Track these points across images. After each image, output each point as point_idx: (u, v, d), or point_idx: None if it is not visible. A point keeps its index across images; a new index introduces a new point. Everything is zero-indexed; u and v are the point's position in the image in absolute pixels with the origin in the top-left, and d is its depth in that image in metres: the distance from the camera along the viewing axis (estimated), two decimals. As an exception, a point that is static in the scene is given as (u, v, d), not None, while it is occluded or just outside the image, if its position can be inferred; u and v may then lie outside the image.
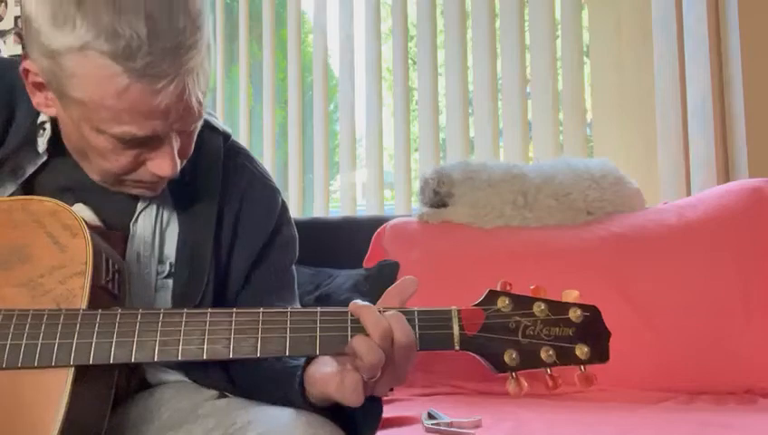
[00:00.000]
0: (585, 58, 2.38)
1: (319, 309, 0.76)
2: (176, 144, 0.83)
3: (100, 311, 0.76)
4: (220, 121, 1.02)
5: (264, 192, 1.01)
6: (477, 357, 0.76)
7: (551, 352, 0.75)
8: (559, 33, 2.32)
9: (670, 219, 1.77)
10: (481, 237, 1.84)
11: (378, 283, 1.78)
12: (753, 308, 1.61)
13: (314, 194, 2.57)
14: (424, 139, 2.45)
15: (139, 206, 0.93)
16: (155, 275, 0.93)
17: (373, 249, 1.92)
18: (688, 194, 2.06)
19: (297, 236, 1.04)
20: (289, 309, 0.77)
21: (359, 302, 0.76)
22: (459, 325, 0.76)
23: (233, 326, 0.75)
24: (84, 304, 0.76)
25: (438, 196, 1.90)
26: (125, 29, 0.73)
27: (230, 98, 2.79)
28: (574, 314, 0.77)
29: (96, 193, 0.91)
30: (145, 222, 0.93)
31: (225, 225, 0.96)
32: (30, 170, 0.91)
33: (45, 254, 0.79)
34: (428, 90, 2.46)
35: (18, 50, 2.67)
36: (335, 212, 2.59)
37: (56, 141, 0.90)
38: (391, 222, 1.96)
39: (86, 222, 0.82)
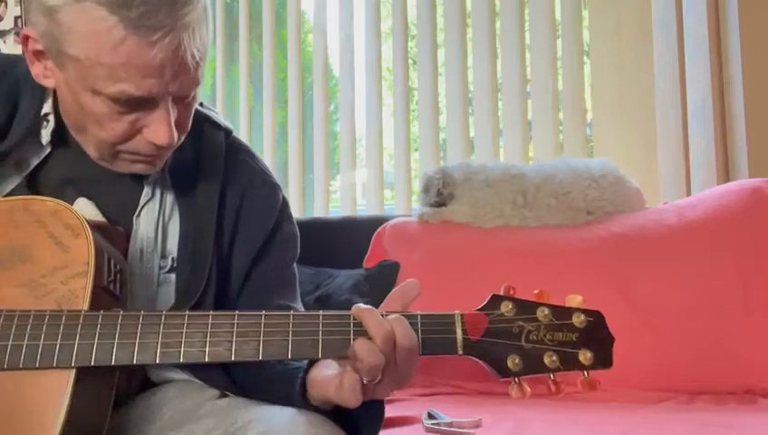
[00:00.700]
0: (585, 58, 2.38)
1: (321, 312, 0.76)
2: (173, 112, 0.83)
3: (101, 312, 0.76)
4: (221, 117, 1.03)
5: (265, 188, 1.01)
6: (480, 362, 0.76)
7: (554, 358, 0.75)
8: (559, 33, 2.32)
9: (670, 219, 1.77)
10: (481, 237, 1.84)
11: (378, 283, 1.78)
12: (753, 308, 1.61)
13: (314, 194, 2.57)
14: (424, 139, 2.45)
15: (142, 199, 0.93)
16: (157, 269, 0.93)
17: (373, 249, 1.92)
18: (688, 194, 2.06)
19: (298, 233, 1.04)
20: (291, 312, 0.77)
21: (361, 305, 0.76)
22: (462, 330, 0.75)
23: (235, 329, 0.75)
24: (86, 305, 0.76)
25: (442, 196, 1.90)
26: None
27: (230, 98, 2.79)
28: (578, 320, 0.77)
29: (99, 185, 0.91)
30: (148, 216, 0.93)
31: (226, 220, 0.96)
32: (34, 163, 0.91)
33: (47, 254, 0.79)
34: (428, 90, 2.46)
35: (19, 50, 2.67)
36: (335, 212, 2.59)
37: (59, 133, 0.91)
38: (391, 222, 1.96)
39: (89, 218, 0.82)
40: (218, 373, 0.91)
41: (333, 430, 0.80)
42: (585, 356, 0.75)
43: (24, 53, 0.86)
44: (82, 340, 0.74)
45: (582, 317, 0.77)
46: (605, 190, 1.85)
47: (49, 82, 0.86)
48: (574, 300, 0.78)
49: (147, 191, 0.94)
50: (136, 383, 0.95)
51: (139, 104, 0.81)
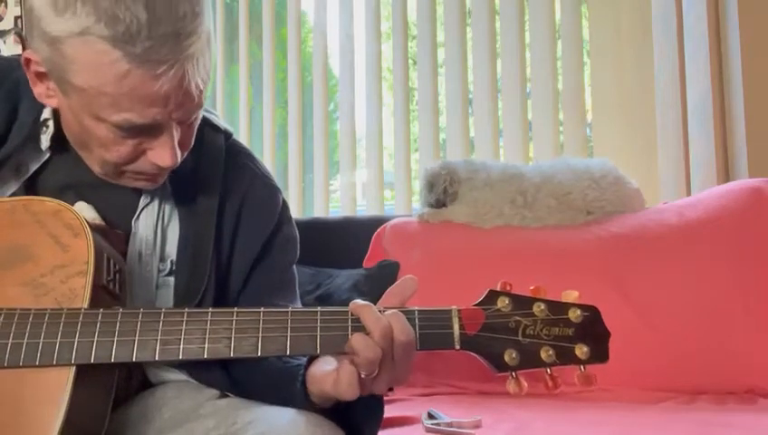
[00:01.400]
0: (585, 58, 2.38)
1: (319, 309, 0.77)
2: (176, 134, 0.83)
3: (101, 310, 0.76)
4: (221, 120, 1.03)
5: (266, 191, 1.01)
6: (478, 357, 0.76)
7: (551, 352, 0.76)
8: (559, 33, 2.32)
9: (670, 219, 1.77)
10: (481, 237, 1.84)
11: (378, 283, 1.78)
12: (753, 308, 1.61)
13: (314, 194, 2.57)
14: (424, 139, 2.45)
15: (141, 203, 0.93)
16: (156, 273, 0.93)
17: (373, 249, 1.92)
18: (688, 194, 2.06)
19: (298, 235, 1.04)
20: (290, 308, 0.77)
21: (359, 301, 0.76)
22: (460, 325, 0.76)
23: (234, 326, 0.76)
24: (86, 304, 0.76)
25: (446, 194, 1.90)
26: (125, 14, 0.74)
27: (230, 98, 2.79)
28: (574, 315, 0.77)
29: (98, 190, 0.91)
30: (147, 220, 0.93)
31: (225, 223, 0.96)
32: (33, 168, 0.92)
33: (47, 253, 0.79)
34: (428, 90, 2.46)
35: (18, 50, 2.67)
36: (335, 212, 2.59)
37: (59, 139, 0.91)
38: (391, 222, 1.96)
39: (88, 221, 0.82)
40: (217, 373, 0.91)
41: (333, 431, 0.80)
42: (581, 351, 0.76)
43: (25, 72, 0.85)
44: (82, 337, 0.74)
45: (578, 312, 0.78)
46: (605, 191, 1.85)
47: (52, 102, 0.85)
48: (570, 295, 0.79)
49: (145, 196, 0.94)
50: (135, 383, 0.95)
51: (143, 131, 0.81)
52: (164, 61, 0.76)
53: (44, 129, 0.91)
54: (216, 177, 0.96)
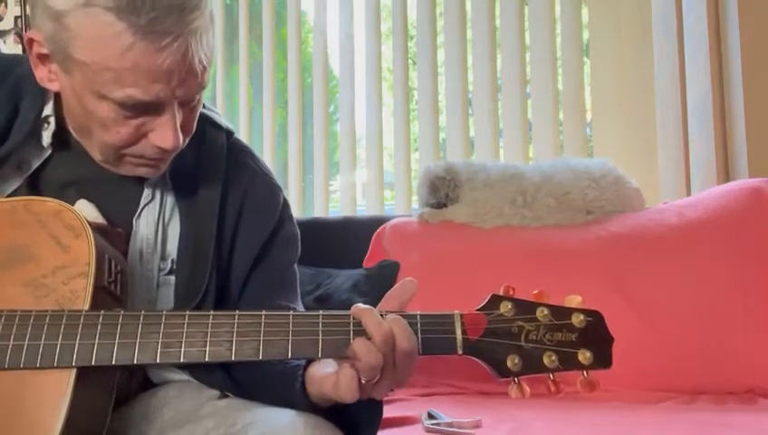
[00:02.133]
0: (585, 58, 2.38)
1: (321, 312, 0.77)
2: (178, 115, 0.83)
3: (102, 312, 0.76)
4: (223, 119, 1.03)
5: (267, 189, 1.01)
6: (480, 362, 0.76)
7: (553, 358, 0.75)
8: (558, 32, 2.32)
9: (670, 219, 1.77)
10: (481, 237, 1.84)
11: (378, 283, 1.78)
12: (753, 308, 1.61)
13: (314, 194, 2.57)
14: (424, 139, 2.45)
15: (142, 201, 0.93)
16: (157, 271, 0.93)
17: (373, 249, 1.92)
18: (688, 194, 2.06)
19: (299, 233, 1.04)
20: (291, 312, 0.77)
21: (360, 305, 0.76)
22: (462, 330, 0.76)
23: (235, 329, 0.76)
24: (87, 305, 0.76)
25: (448, 198, 1.89)
26: None
27: (230, 98, 2.79)
28: (577, 320, 0.77)
29: (100, 187, 0.91)
30: (148, 218, 0.93)
31: (227, 221, 0.96)
32: (35, 165, 0.92)
33: (48, 254, 0.79)
34: (428, 90, 2.46)
35: (18, 50, 2.67)
36: (335, 212, 2.59)
37: (60, 135, 0.91)
38: (391, 222, 1.96)
39: (89, 220, 0.82)
40: (218, 374, 0.91)
41: (332, 432, 0.80)
42: (585, 356, 0.75)
43: (28, 55, 0.85)
44: (83, 340, 0.74)
45: (582, 317, 0.77)
46: (604, 190, 1.85)
47: (53, 86, 0.85)
48: (574, 300, 0.78)
49: (147, 193, 0.94)
50: (136, 384, 0.95)
51: (145, 109, 0.81)
52: (168, 33, 0.76)
53: (46, 125, 0.91)
54: (218, 175, 0.96)
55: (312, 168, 2.60)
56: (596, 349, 0.76)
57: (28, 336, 0.75)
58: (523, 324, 0.76)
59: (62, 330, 0.75)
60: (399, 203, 2.47)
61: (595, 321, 0.77)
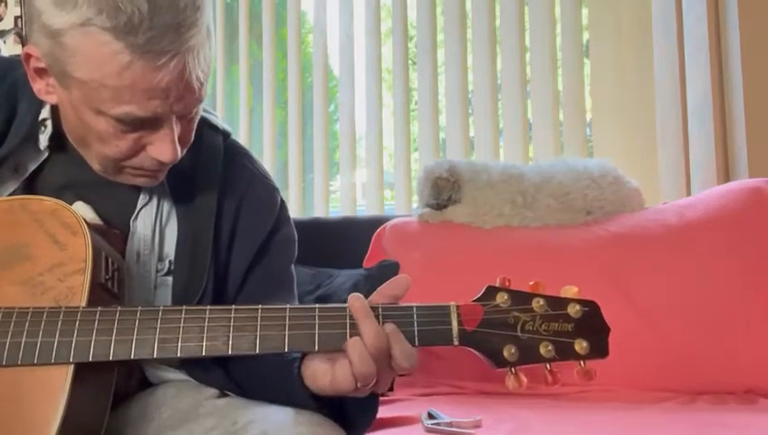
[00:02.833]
0: (585, 58, 2.38)
1: (317, 306, 0.77)
2: (176, 128, 0.83)
3: (99, 308, 0.76)
4: (220, 120, 1.03)
5: (264, 191, 1.01)
6: (476, 353, 0.76)
7: (550, 348, 0.75)
8: (559, 32, 2.32)
9: (670, 219, 1.77)
10: (481, 237, 1.84)
11: (378, 283, 1.75)
12: (753, 308, 1.61)
13: (314, 194, 2.57)
14: (424, 139, 2.45)
15: (139, 202, 0.93)
16: (154, 272, 0.93)
17: (373, 249, 1.92)
18: (688, 194, 2.06)
19: (296, 236, 1.04)
20: (288, 306, 0.77)
21: (357, 301, 0.76)
22: (458, 321, 0.76)
23: (232, 323, 0.76)
24: (84, 302, 0.77)
25: (450, 200, 1.89)
26: (126, 5, 0.74)
27: (230, 98, 2.79)
28: (573, 310, 0.77)
29: (97, 190, 0.91)
30: (145, 219, 0.93)
31: (224, 223, 0.96)
32: (31, 167, 0.92)
33: (45, 252, 0.79)
34: (428, 90, 2.45)
35: (18, 50, 2.67)
36: (335, 212, 2.58)
37: (57, 138, 0.91)
38: (391, 222, 1.96)
39: (86, 221, 0.82)
40: (215, 372, 0.91)
41: (332, 430, 0.80)
42: (581, 346, 0.76)
43: (25, 69, 0.85)
44: (80, 336, 0.74)
45: (578, 307, 0.77)
46: (604, 190, 1.85)
47: (51, 99, 0.85)
48: (570, 291, 0.79)
49: (144, 195, 0.94)
50: (134, 382, 0.95)
51: (143, 124, 0.81)
52: (165, 52, 0.76)
53: (43, 128, 0.91)
54: (215, 176, 0.97)
55: (311, 168, 2.60)
56: (592, 338, 0.76)
57: (25, 333, 0.75)
58: (519, 315, 0.77)
59: (59, 326, 0.75)
60: (399, 203, 2.47)
61: (591, 311, 0.77)
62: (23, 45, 2.58)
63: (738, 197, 1.73)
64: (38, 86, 0.85)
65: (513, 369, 0.75)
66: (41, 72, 0.83)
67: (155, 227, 0.94)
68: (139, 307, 0.77)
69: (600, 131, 2.31)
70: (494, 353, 0.75)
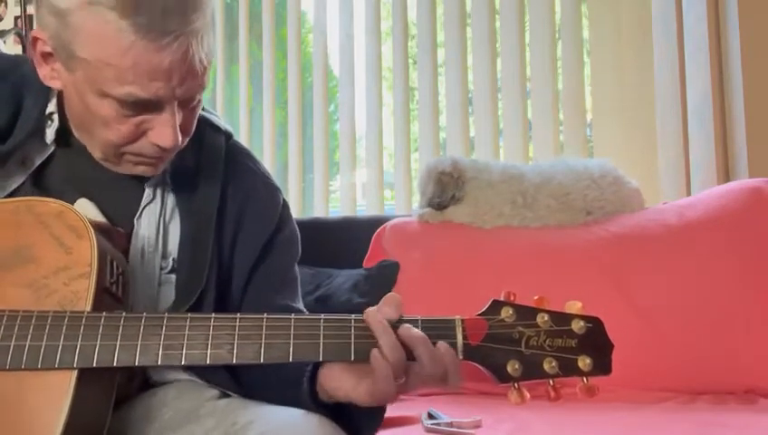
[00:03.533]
0: (585, 58, 2.38)
1: (323, 316, 0.77)
2: (178, 116, 0.84)
3: (104, 314, 0.76)
4: (221, 121, 1.03)
5: (267, 191, 1.02)
6: (480, 367, 0.76)
7: (553, 364, 0.75)
8: (559, 33, 2.32)
9: (670, 219, 1.77)
10: (481, 237, 1.84)
11: (378, 283, 1.78)
12: (753, 308, 1.61)
13: (314, 194, 2.57)
14: (424, 139, 2.45)
15: (144, 200, 0.94)
16: (158, 270, 0.93)
17: (373, 249, 1.92)
18: (688, 194, 2.06)
19: (299, 234, 1.05)
20: (293, 316, 0.78)
21: (374, 320, 0.76)
22: (463, 335, 0.76)
23: (236, 332, 0.76)
24: (89, 307, 0.77)
25: (453, 199, 1.88)
26: None
27: (230, 98, 2.79)
28: (577, 326, 0.77)
29: (102, 186, 0.92)
30: (149, 217, 0.94)
31: (227, 222, 0.97)
32: (38, 161, 0.93)
33: (50, 255, 0.79)
34: (428, 89, 2.45)
35: (18, 50, 2.66)
36: (335, 212, 2.58)
37: (64, 132, 0.92)
38: (391, 222, 1.96)
39: (90, 218, 0.82)
40: (222, 372, 0.91)
41: (333, 430, 0.80)
42: (584, 362, 0.76)
43: (32, 54, 0.86)
44: (85, 341, 0.74)
45: (582, 324, 0.77)
46: (604, 191, 1.85)
47: (56, 84, 0.87)
48: (574, 306, 0.79)
49: (148, 193, 0.95)
50: (136, 384, 0.96)
51: (145, 107, 0.82)
52: (169, 32, 0.77)
53: (49, 122, 0.92)
54: (217, 176, 0.97)
55: (311, 168, 2.60)
56: (596, 355, 0.76)
57: (30, 337, 0.75)
58: (524, 330, 0.76)
59: (63, 331, 0.75)
60: (399, 203, 2.46)
61: (595, 327, 0.77)
62: (23, 45, 2.58)
63: (738, 197, 1.73)
64: (44, 72, 0.86)
65: (516, 384, 0.75)
66: (47, 57, 0.84)
67: (159, 224, 0.95)
68: (144, 314, 0.77)
69: (600, 131, 2.31)
70: (497, 368, 0.75)
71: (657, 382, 1.59)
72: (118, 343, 0.75)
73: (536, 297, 0.79)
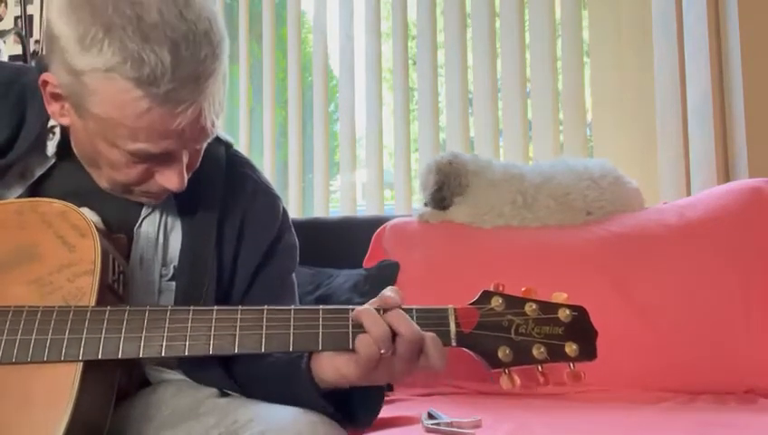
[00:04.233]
0: (585, 58, 2.38)
1: (321, 307, 0.80)
2: (185, 159, 0.86)
3: (108, 308, 0.78)
4: (221, 131, 1.04)
5: (267, 200, 1.04)
6: (472, 354, 0.80)
7: (542, 350, 0.80)
8: (559, 33, 2.32)
9: (670, 219, 1.77)
10: (481, 237, 1.84)
11: (378, 283, 1.78)
12: (753, 308, 1.61)
13: (314, 194, 2.57)
14: (424, 139, 2.45)
15: (144, 211, 0.95)
16: (158, 277, 0.94)
17: (373, 249, 1.92)
18: (688, 194, 2.06)
19: (298, 243, 1.07)
20: (292, 307, 0.80)
21: (359, 308, 0.79)
22: (456, 323, 0.80)
23: (238, 323, 0.78)
24: (93, 303, 0.78)
25: (453, 196, 1.88)
26: (150, 57, 0.76)
27: (230, 98, 2.79)
28: (563, 314, 0.82)
29: (102, 198, 0.93)
30: (149, 227, 0.95)
31: (227, 231, 0.98)
32: (38, 173, 0.93)
33: (54, 253, 0.81)
34: (428, 90, 2.46)
35: (18, 50, 2.66)
36: (335, 212, 2.58)
37: (65, 145, 0.92)
38: (391, 222, 1.96)
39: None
40: (214, 372, 0.92)
41: (332, 428, 0.81)
42: (571, 348, 0.80)
43: (41, 92, 0.87)
44: (90, 334, 0.76)
45: (567, 312, 0.82)
46: (604, 191, 1.85)
47: (65, 121, 0.88)
48: (560, 296, 0.84)
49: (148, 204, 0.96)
50: (135, 382, 0.96)
51: (155, 158, 0.84)
52: (184, 101, 0.79)
53: (51, 135, 0.93)
54: (218, 186, 0.99)
55: (311, 168, 2.60)
56: (582, 341, 0.81)
57: (35, 331, 0.76)
58: (513, 318, 0.81)
59: (68, 325, 0.76)
60: (399, 203, 2.47)
61: (580, 315, 0.82)
62: (23, 45, 2.58)
63: (738, 197, 1.73)
64: (53, 108, 0.87)
65: (507, 370, 0.79)
66: (57, 97, 0.85)
67: (159, 233, 0.96)
68: (148, 307, 0.79)
69: (600, 131, 2.31)
70: (489, 355, 0.79)
71: (656, 382, 1.59)
72: (122, 335, 0.76)
73: (524, 288, 0.83)
